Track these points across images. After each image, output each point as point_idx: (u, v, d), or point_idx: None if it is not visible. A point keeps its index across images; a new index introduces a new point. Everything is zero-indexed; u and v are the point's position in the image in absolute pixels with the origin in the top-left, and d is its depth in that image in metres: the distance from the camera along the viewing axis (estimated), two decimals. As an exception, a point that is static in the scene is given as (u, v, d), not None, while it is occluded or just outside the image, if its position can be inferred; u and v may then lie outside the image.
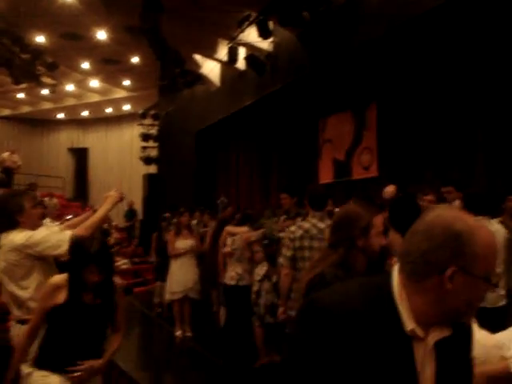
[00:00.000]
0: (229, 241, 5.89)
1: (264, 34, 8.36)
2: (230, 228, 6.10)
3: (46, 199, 6.14)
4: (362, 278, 1.24)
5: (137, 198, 15.88)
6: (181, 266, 6.53)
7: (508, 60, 6.30)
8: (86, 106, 18.27)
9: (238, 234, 5.77)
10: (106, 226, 9.37)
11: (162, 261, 7.47)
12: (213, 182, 14.21)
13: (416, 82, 7.78)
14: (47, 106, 18.49)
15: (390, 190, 5.49)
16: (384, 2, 6.79)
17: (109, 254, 2.68)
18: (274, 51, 9.26)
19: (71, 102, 17.93)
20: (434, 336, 1.09)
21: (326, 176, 10.32)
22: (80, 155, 20.65)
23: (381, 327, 1.05)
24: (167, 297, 6.72)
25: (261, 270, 5.25)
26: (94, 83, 15.69)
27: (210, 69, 11.71)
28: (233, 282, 5.71)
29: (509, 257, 3.78)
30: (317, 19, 7.39)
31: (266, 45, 9.21)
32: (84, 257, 2.43)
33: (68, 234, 2.76)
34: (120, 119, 19.39)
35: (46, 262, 2.83)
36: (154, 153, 15.57)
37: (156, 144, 15.53)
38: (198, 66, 11.91)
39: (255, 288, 5.21)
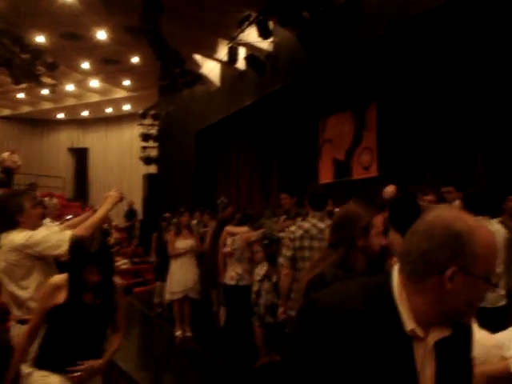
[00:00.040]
0: (229, 241, 5.89)
1: (264, 33, 8.36)
2: (229, 228, 6.09)
3: (46, 199, 6.14)
4: (362, 278, 1.24)
5: (137, 198, 15.87)
6: (181, 266, 6.53)
7: (508, 60, 6.30)
8: (86, 106, 18.27)
9: (237, 234, 5.77)
10: (105, 225, 9.37)
11: (162, 261, 7.47)
12: (213, 182, 14.20)
13: (416, 82, 7.78)
14: (47, 106, 18.48)
15: (389, 189, 5.49)
16: (384, 2, 6.79)
17: (109, 253, 2.68)
18: (274, 51, 9.25)
19: (71, 101, 17.93)
20: (434, 336, 1.09)
21: (326, 176, 10.32)
22: (80, 155, 20.65)
23: (381, 327, 1.05)
24: (167, 297, 6.72)
25: (261, 270, 5.25)
26: (94, 83, 15.69)
27: (210, 69, 11.70)
28: (233, 282, 5.71)
29: (509, 257, 3.78)
30: (317, 19, 7.39)
31: (266, 45, 9.20)
32: (84, 257, 2.43)
33: (68, 233, 2.76)
34: (120, 119, 19.38)
35: (46, 262, 2.83)
36: (154, 153, 15.57)
37: (156, 144, 15.53)
38: (197, 65, 11.91)
39: (255, 288, 5.21)
